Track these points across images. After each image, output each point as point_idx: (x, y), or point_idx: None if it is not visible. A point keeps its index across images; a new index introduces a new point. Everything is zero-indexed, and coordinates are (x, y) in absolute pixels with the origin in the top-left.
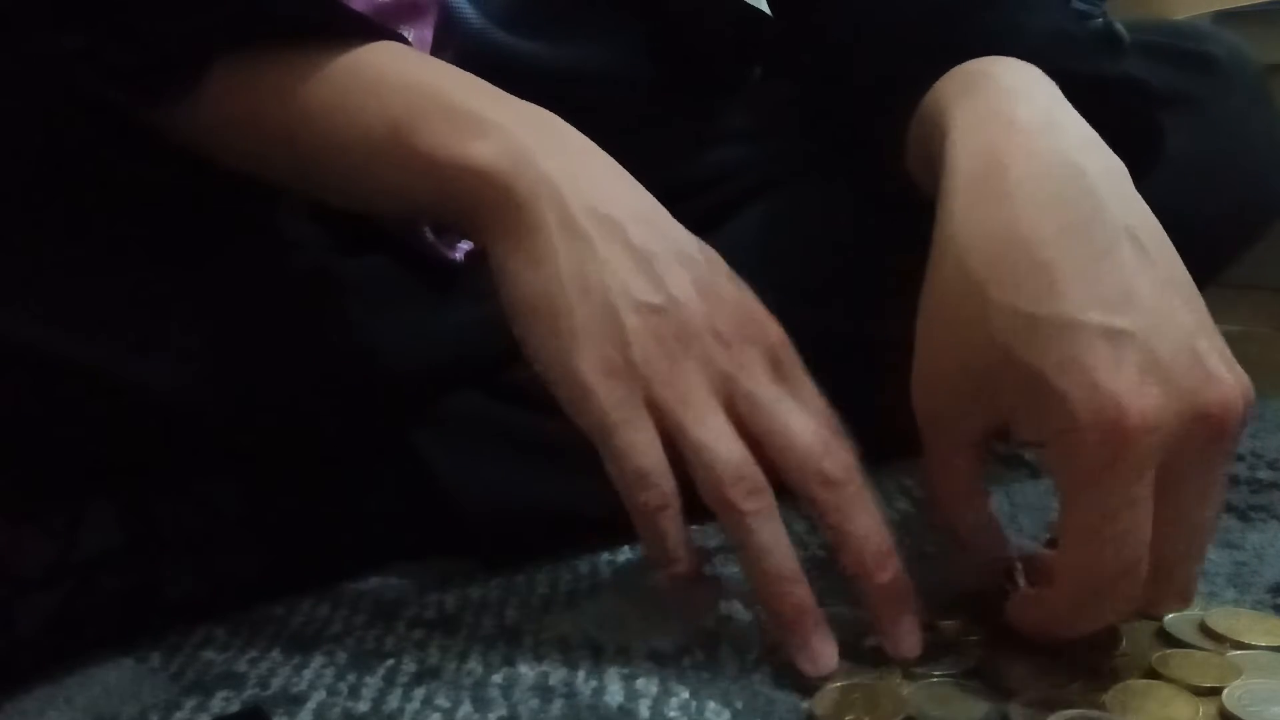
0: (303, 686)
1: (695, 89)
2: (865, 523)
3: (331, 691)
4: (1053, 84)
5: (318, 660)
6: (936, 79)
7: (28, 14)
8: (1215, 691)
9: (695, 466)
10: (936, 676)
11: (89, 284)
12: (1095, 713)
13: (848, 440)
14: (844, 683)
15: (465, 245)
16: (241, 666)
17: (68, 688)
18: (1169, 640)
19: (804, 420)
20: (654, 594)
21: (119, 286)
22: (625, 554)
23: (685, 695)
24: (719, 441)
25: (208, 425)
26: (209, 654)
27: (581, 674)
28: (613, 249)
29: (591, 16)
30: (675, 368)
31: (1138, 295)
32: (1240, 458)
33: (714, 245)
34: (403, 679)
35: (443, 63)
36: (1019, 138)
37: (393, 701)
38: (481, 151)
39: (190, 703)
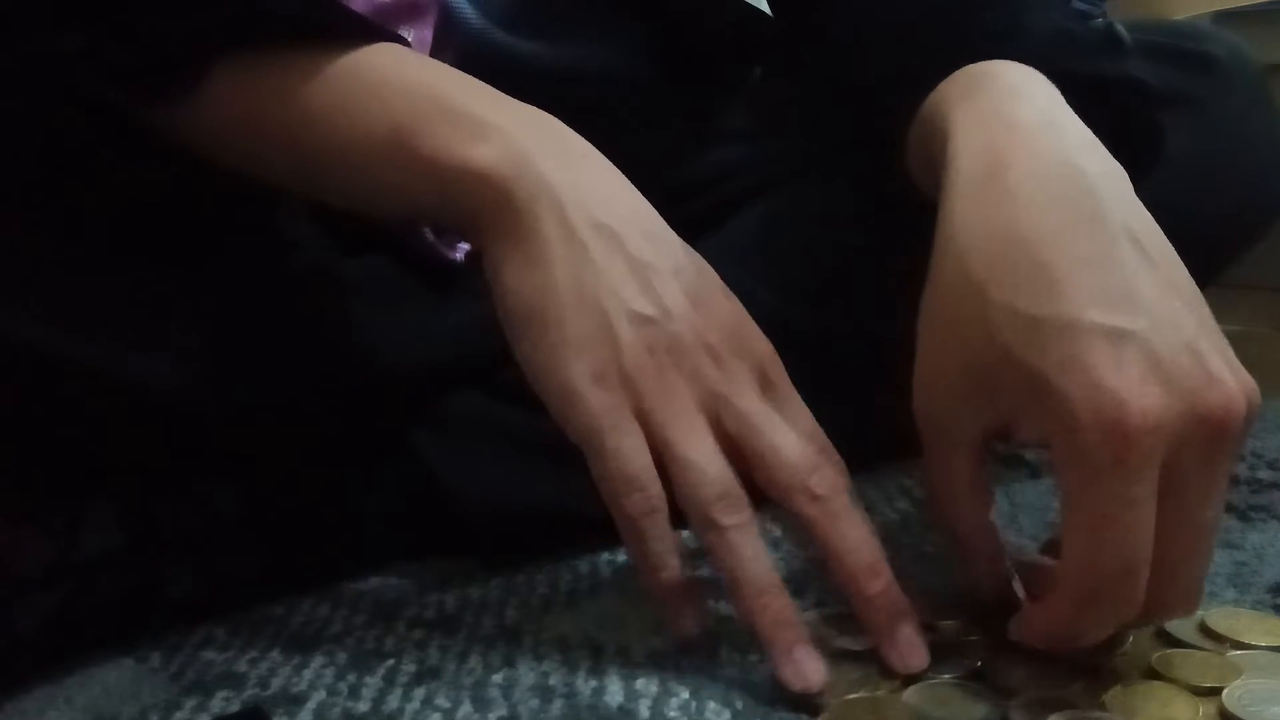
0: (303, 686)
1: (695, 89)
2: (853, 536)
3: (331, 691)
4: (1053, 87)
5: (318, 660)
6: (938, 80)
7: (28, 14)
8: (1215, 691)
9: (679, 481)
10: (937, 678)
11: (89, 284)
12: (1095, 713)
13: (835, 456)
14: (849, 696)
15: (465, 245)
16: (241, 666)
17: (68, 688)
18: (1169, 640)
19: (791, 437)
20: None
21: (119, 286)
22: (625, 554)
23: (685, 695)
24: (704, 458)
25: (208, 425)
26: (209, 654)
27: (581, 674)
28: (610, 258)
29: (591, 16)
30: (665, 380)
31: (1139, 295)
32: (1240, 458)
33: (714, 245)
34: (403, 679)
35: (444, 65)
36: (1020, 139)
37: (393, 701)
38: (483, 155)
39: (190, 703)
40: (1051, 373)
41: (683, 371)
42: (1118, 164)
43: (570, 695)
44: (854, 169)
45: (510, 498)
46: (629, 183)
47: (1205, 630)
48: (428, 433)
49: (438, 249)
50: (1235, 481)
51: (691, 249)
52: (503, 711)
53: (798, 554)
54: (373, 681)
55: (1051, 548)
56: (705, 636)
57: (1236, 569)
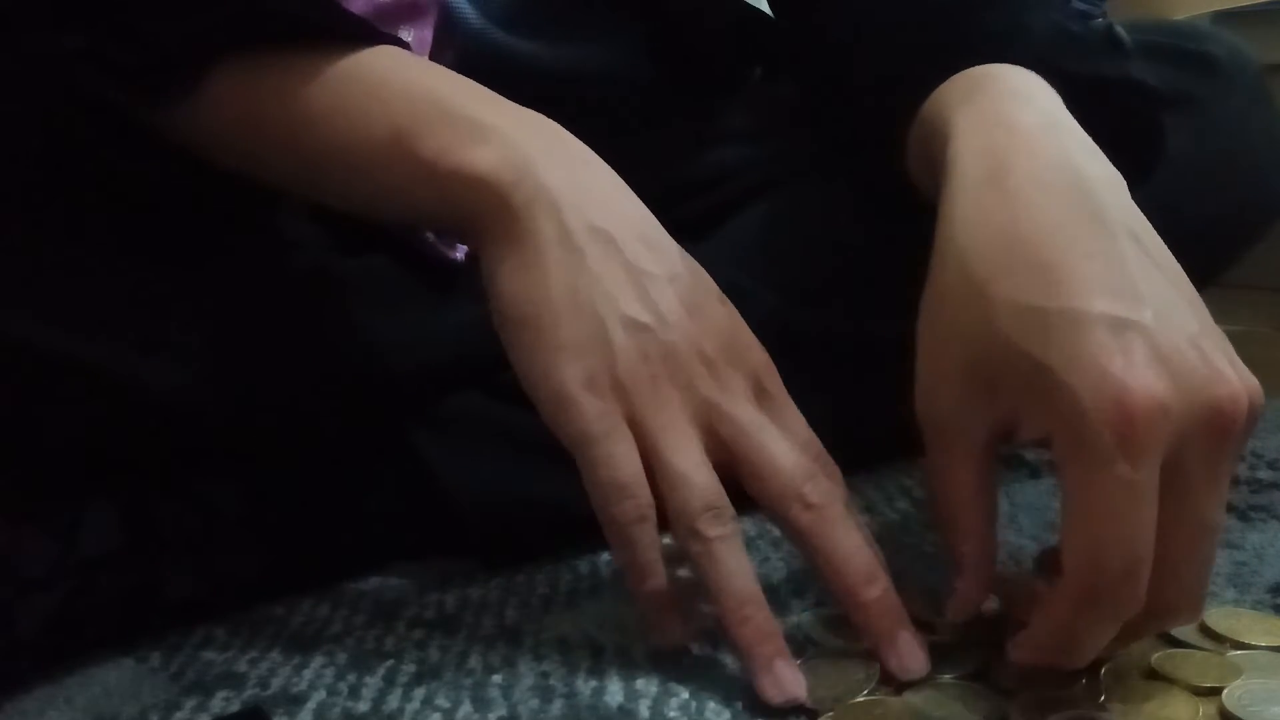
0: (303, 686)
1: (695, 89)
2: (848, 543)
3: (331, 691)
4: (1053, 90)
5: (318, 660)
6: (938, 80)
7: (28, 14)
8: (1215, 691)
9: (666, 490)
10: (936, 678)
11: (89, 284)
12: (1095, 713)
13: (830, 464)
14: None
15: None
16: (241, 666)
17: (68, 688)
18: (1169, 640)
19: (784, 445)
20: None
21: (119, 286)
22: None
23: (685, 695)
24: (692, 468)
25: (208, 425)
26: (209, 654)
27: (581, 674)
28: (606, 264)
29: (591, 17)
30: (658, 388)
31: (1142, 289)
32: (1240, 458)
33: (714, 245)
34: (403, 679)
35: (445, 69)
36: (1021, 142)
37: (393, 701)
38: (482, 158)
39: (190, 703)
40: (1055, 363)
41: (676, 380)
42: (1116, 170)
43: (570, 695)
44: (854, 169)
45: (510, 498)
46: (628, 188)
47: (1205, 630)
48: (428, 433)
49: (438, 249)
50: (1235, 482)
51: (689, 256)
52: (503, 711)
53: (798, 554)
54: (373, 681)
55: (1045, 563)
56: (706, 636)
57: (1236, 569)
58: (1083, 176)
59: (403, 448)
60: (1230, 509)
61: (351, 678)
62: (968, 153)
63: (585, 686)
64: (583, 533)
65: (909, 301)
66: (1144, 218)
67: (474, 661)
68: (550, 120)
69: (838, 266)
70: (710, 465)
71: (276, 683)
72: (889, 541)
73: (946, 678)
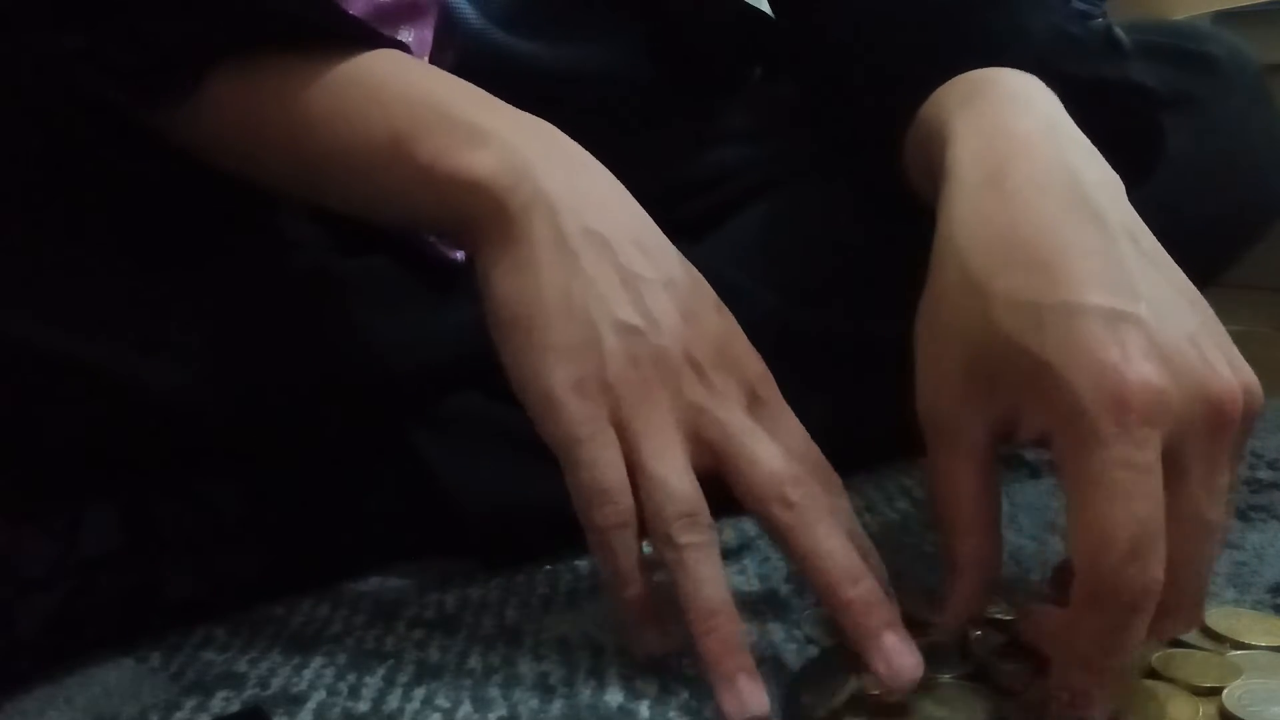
0: (303, 686)
1: (695, 89)
2: (829, 542)
3: (331, 691)
4: (1053, 94)
5: (318, 660)
6: (938, 81)
7: (28, 14)
8: (1215, 691)
9: (645, 496)
10: (936, 678)
11: (89, 284)
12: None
13: (829, 471)
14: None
15: None
16: (241, 666)
17: (68, 688)
18: (1169, 640)
19: (770, 448)
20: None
21: (119, 286)
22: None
23: (685, 695)
24: (672, 475)
25: (208, 425)
26: (209, 654)
27: (581, 674)
28: (600, 268)
29: (591, 17)
30: (646, 393)
31: (1139, 286)
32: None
33: (714, 245)
34: (403, 679)
35: (445, 73)
36: (1020, 146)
37: (393, 701)
38: (480, 162)
39: (190, 703)
40: (1051, 356)
41: (665, 384)
42: (1115, 174)
43: (570, 695)
44: (854, 169)
45: (510, 498)
46: (627, 193)
47: (1205, 630)
48: (428, 433)
49: (438, 249)
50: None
51: (687, 262)
52: (503, 711)
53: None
54: (373, 681)
55: (1058, 580)
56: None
57: (1236, 569)
58: (1080, 179)
59: (403, 448)
60: None
61: (351, 678)
62: (966, 156)
63: (585, 686)
64: (583, 533)
65: (909, 302)
66: (1141, 220)
67: (474, 661)
68: (549, 124)
69: (838, 266)
70: (692, 472)
71: (276, 683)
72: (889, 542)
73: (946, 678)
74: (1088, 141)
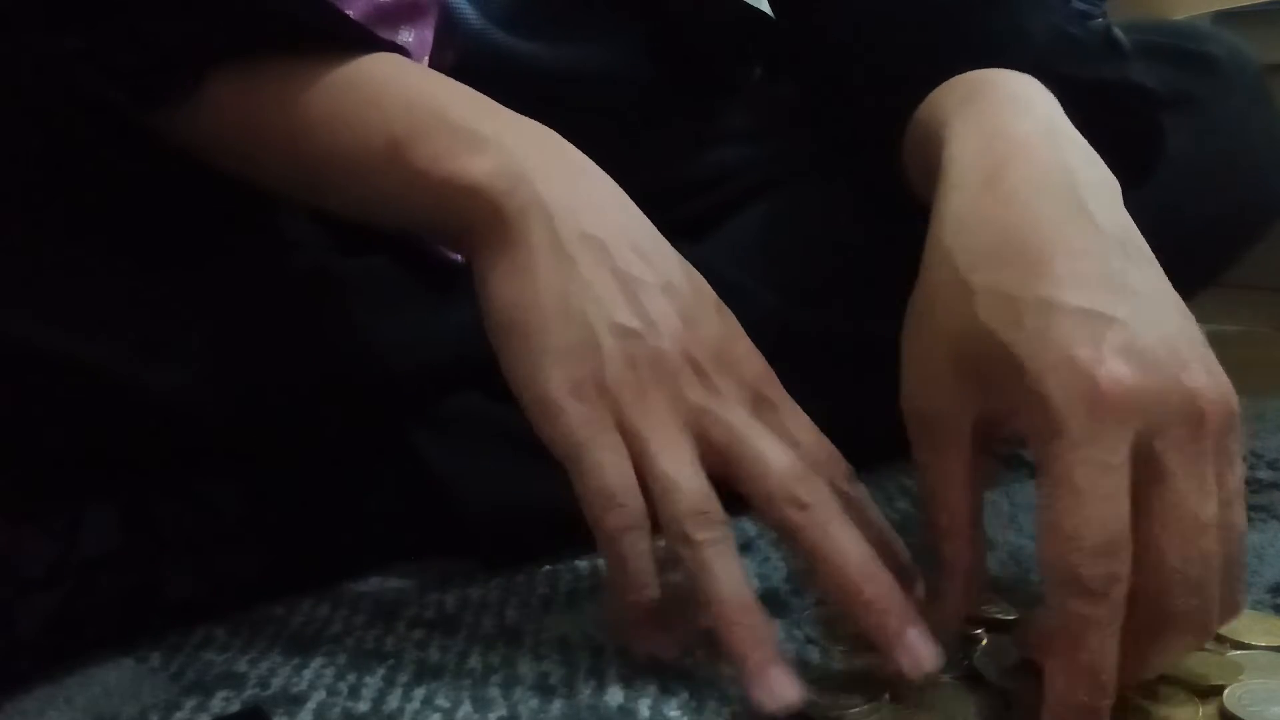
0: (303, 686)
1: (695, 89)
2: (844, 542)
3: (331, 691)
4: (1051, 96)
5: (318, 660)
6: (938, 81)
7: (28, 14)
8: (1215, 691)
9: (656, 496)
10: (936, 678)
11: (89, 284)
12: None
13: (841, 462)
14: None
15: None
16: (241, 666)
17: (68, 688)
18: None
19: (778, 448)
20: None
21: (119, 286)
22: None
23: (685, 695)
24: (681, 473)
25: (208, 425)
26: (209, 654)
27: (581, 674)
28: (597, 272)
29: (591, 17)
30: (646, 395)
31: (1121, 288)
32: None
33: (714, 245)
34: (403, 679)
35: (444, 77)
36: (1018, 146)
37: (393, 701)
38: (479, 168)
39: (190, 703)
40: (1024, 350)
41: (665, 387)
42: (1112, 176)
43: (570, 695)
44: (854, 169)
45: (510, 498)
46: (627, 197)
47: None
48: (428, 433)
49: (438, 249)
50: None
51: (688, 264)
52: (503, 711)
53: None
54: (373, 681)
55: None
56: (706, 636)
57: None
58: (1076, 181)
59: (403, 448)
60: None
61: (351, 678)
62: (964, 157)
63: (585, 686)
64: (583, 533)
65: (908, 302)
66: (1134, 225)
67: (474, 661)
68: (548, 129)
69: (838, 266)
70: (701, 469)
71: (276, 683)
72: None
73: (946, 678)
74: (1086, 144)
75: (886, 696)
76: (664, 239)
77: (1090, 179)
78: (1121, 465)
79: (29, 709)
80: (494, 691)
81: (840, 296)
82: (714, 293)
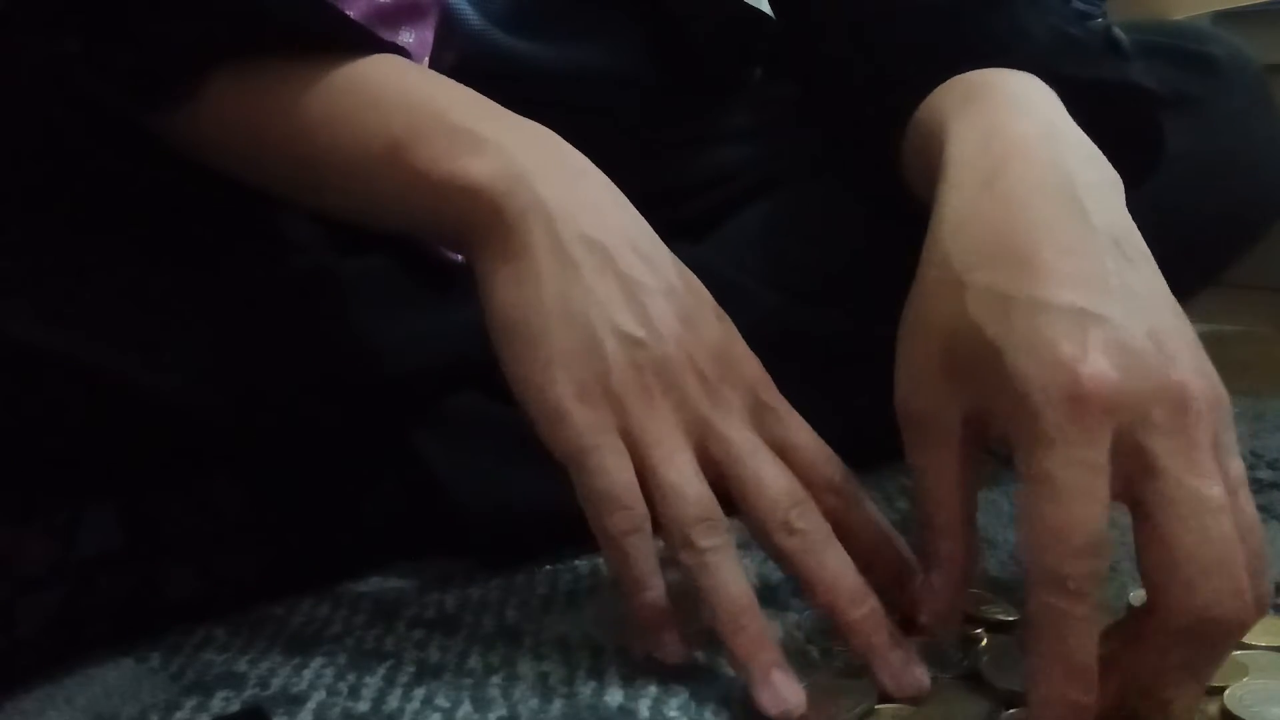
0: (303, 686)
1: (695, 89)
2: (832, 565)
3: (331, 691)
4: (1053, 94)
5: (318, 660)
6: (937, 81)
7: (28, 15)
8: (1216, 691)
9: (659, 502)
10: (937, 678)
11: (89, 284)
12: None
13: (840, 466)
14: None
15: None
16: (241, 666)
17: (68, 688)
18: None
19: (774, 469)
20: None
21: (119, 287)
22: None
23: (685, 695)
24: (684, 480)
25: (208, 425)
26: (209, 654)
27: (581, 674)
28: (600, 277)
29: (591, 17)
30: (650, 402)
31: (1112, 288)
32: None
33: (714, 245)
34: (403, 679)
35: (444, 78)
36: (1016, 147)
37: (393, 701)
38: (477, 169)
39: (190, 703)
40: (1010, 346)
41: (669, 393)
42: (1114, 174)
43: (570, 695)
44: (854, 170)
45: (510, 498)
46: (626, 200)
47: None
48: (428, 433)
49: (438, 249)
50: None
51: (686, 268)
52: (503, 711)
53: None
54: (373, 681)
55: None
56: (706, 636)
57: None
58: (1074, 182)
59: (403, 448)
60: None
61: (351, 678)
62: (962, 158)
63: (585, 686)
64: (583, 533)
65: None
66: (1131, 223)
67: (474, 661)
68: (549, 131)
69: (838, 266)
70: (702, 476)
71: (276, 683)
72: None
73: (946, 677)
74: (1087, 144)
75: None
76: (661, 241)
77: (1088, 179)
78: (1103, 464)
79: (29, 709)
80: (494, 691)
81: (840, 296)
82: (711, 296)
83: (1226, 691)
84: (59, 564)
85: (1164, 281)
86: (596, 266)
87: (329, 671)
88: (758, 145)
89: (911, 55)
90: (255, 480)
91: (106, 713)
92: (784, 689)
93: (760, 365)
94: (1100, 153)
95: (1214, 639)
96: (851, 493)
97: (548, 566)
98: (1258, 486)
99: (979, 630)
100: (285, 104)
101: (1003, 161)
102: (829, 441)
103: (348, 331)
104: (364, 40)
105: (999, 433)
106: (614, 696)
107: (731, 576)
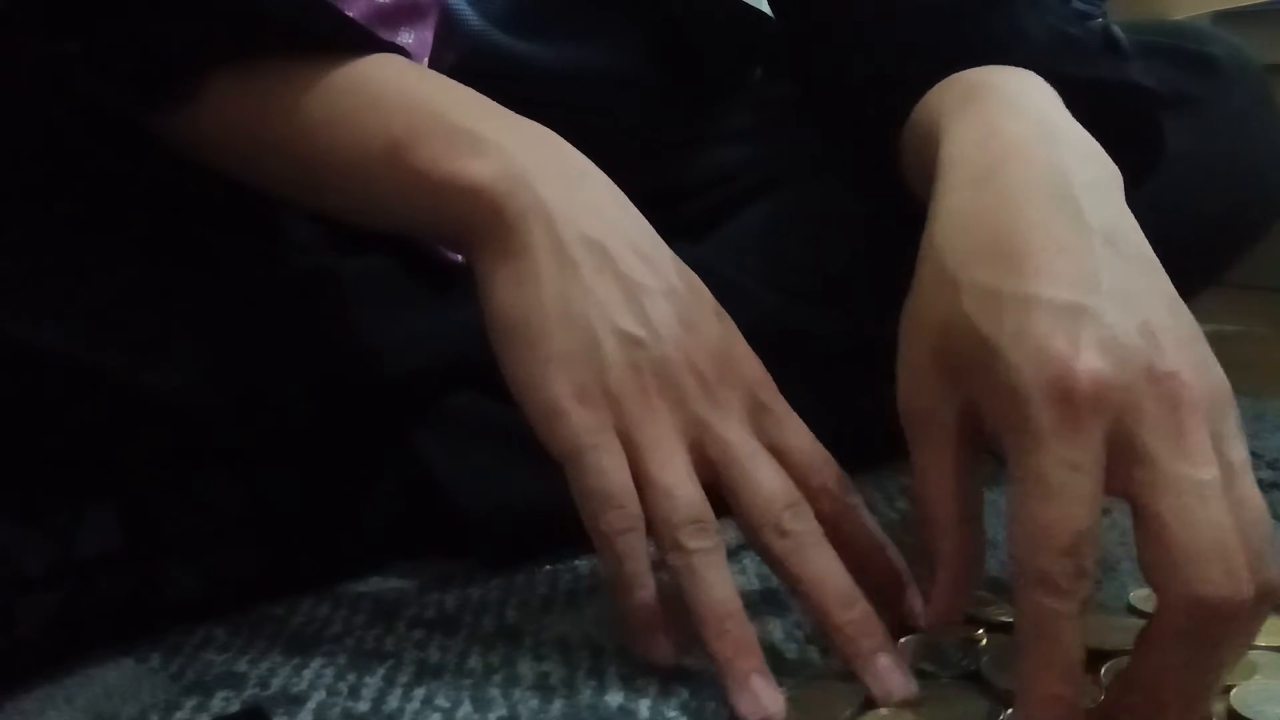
0: (303, 686)
1: (695, 89)
2: (821, 567)
3: (331, 691)
4: (1052, 92)
5: (318, 660)
6: (936, 81)
7: (28, 16)
8: (1223, 690)
9: (650, 502)
10: (937, 678)
11: (89, 284)
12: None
13: (835, 468)
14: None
15: None
16: (241, 666)
17: (68, 688)
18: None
19: (769, 472)
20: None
21: (119, 286)
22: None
23: (685, 695)
24: (677, 482)
25: (208, 425)
26: (209, 654)
27: (581, 674)
28: (600, 277)
29: (591, 18)
30: (648, 403)
31: (1105, 284)
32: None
33: (714, 245)
34: (403, 679)
35: (444, 78)
36: (1013, 146)
37: (393, 701)
38: (479, 170)
39: (190, 703)
40: (1001, 341)
41: (667, 394)
42: (1114, 170)
43: (570, 695)
44: (853, 170)
45: (510, 498)
46: (627, 200)
47: None
48: (428, 433)
49: (438, 249)
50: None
51: (687, 268)
52: (503, 711)
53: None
54: (373, 681)
55: None
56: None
57: None
58: (1070, 180)
59: (403, 448)
60: None
61: (351, 678)
62: (959, 158)
63: (585, 686)
64: (583, 533)
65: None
66: (1130, 219)
67: (474, 661)
68: (549, 131)
69: (838, 266)
70: (696, 479)
71: (276, 683)
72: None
73: (945, 678)
74: (1086, 141)
75: None
76: (662, 242)
77: (1085, 178)
78: (1093, 463)
79: (29, 709)
80: (494, 691)
81: (840, 296)
82: (711, 296)
83: (1233, 691)
84: (59, 564)
85: (1164, 277)
86: (596, 267)
87: (329, 671)
88: (758, 145)
89: (911, 55)
90: (255, 480)
91: (106, 713)
92: (763, 695)
93: (761, 366)
94: (1100, 148)
95: (1211, 632)
96: (846, 498)
97: (548, 566)
98: (1258, 487)
99: (979, 630)
100: (285, 104)
101: (999, 161)
102: (828, 441)
103: (348, 331)
104: (364, 40)
105: (991, 430)
106: (614, 697)
107: (718, 580)
